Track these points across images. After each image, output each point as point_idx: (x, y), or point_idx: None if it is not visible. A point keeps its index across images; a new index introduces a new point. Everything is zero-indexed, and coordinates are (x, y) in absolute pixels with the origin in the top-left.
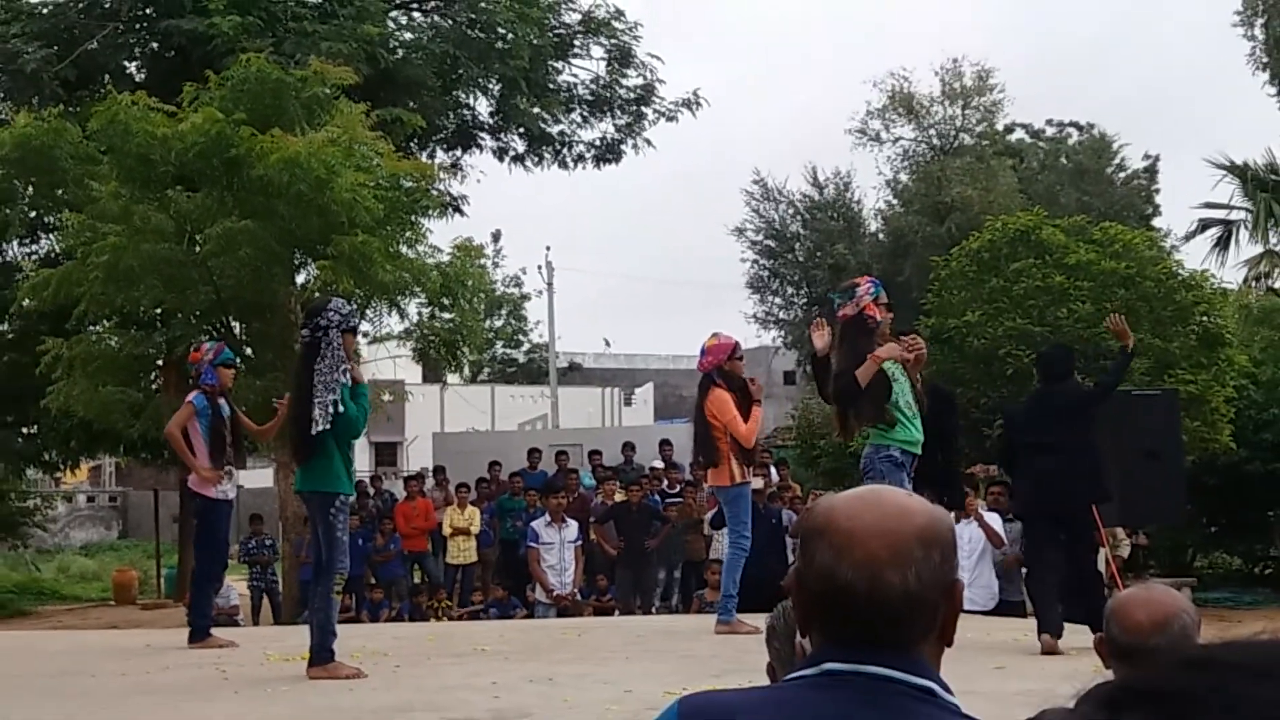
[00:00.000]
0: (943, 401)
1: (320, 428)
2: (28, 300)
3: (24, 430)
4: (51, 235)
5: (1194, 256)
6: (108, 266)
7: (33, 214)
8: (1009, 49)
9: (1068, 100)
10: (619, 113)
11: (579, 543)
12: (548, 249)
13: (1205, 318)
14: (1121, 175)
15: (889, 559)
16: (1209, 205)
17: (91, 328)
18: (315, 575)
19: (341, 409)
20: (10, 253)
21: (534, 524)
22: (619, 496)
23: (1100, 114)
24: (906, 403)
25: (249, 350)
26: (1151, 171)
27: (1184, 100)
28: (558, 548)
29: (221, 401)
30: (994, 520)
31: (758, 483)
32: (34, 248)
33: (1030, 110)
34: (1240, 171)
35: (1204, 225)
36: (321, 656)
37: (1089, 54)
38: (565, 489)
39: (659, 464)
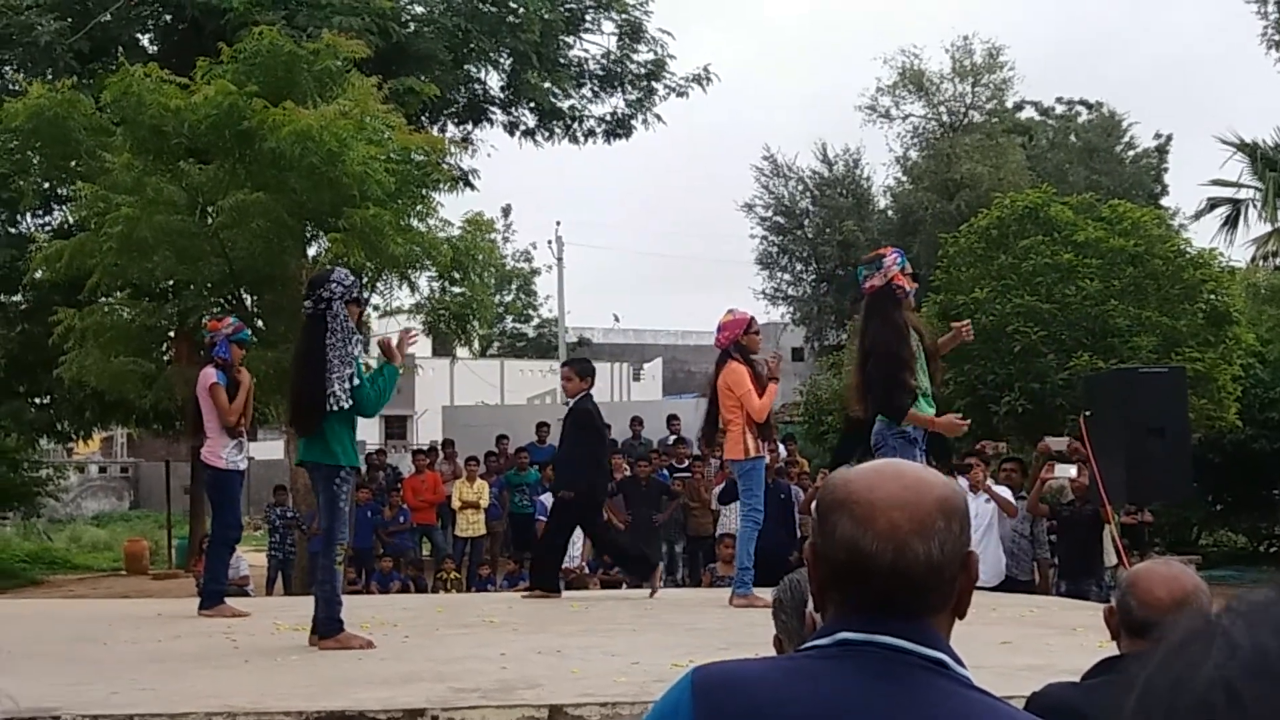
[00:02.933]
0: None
1: (342, 404)
2: (41, 271)
3: (37, 400)
4: (65, 207)
5: (1202, 235)
6: (121, 238)
7: (46, 185)
8: (1027, 31)
9: (1085, 82)
10: (629, 88)
11: None
12: (558, 224)
13: (1213, 296)
14: (1131, 154)
15: (913, 529)
16: (1218, 183)
17: (104, 299)
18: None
19: (357, 382)
20: (24, 224)
21: (543, 498)
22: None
23: (1116, 94)
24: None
25: (260, 322)
26: (1162, 151)
27: (1199, 79)
28: None
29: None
30: (1004, 494)
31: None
32: (47, 219)
33: (1047, 91)
34: (1250, 150)
35: (1212, 204)
36: (330, 628)
37: (1108, 35)
38: None
39: (667, 439)
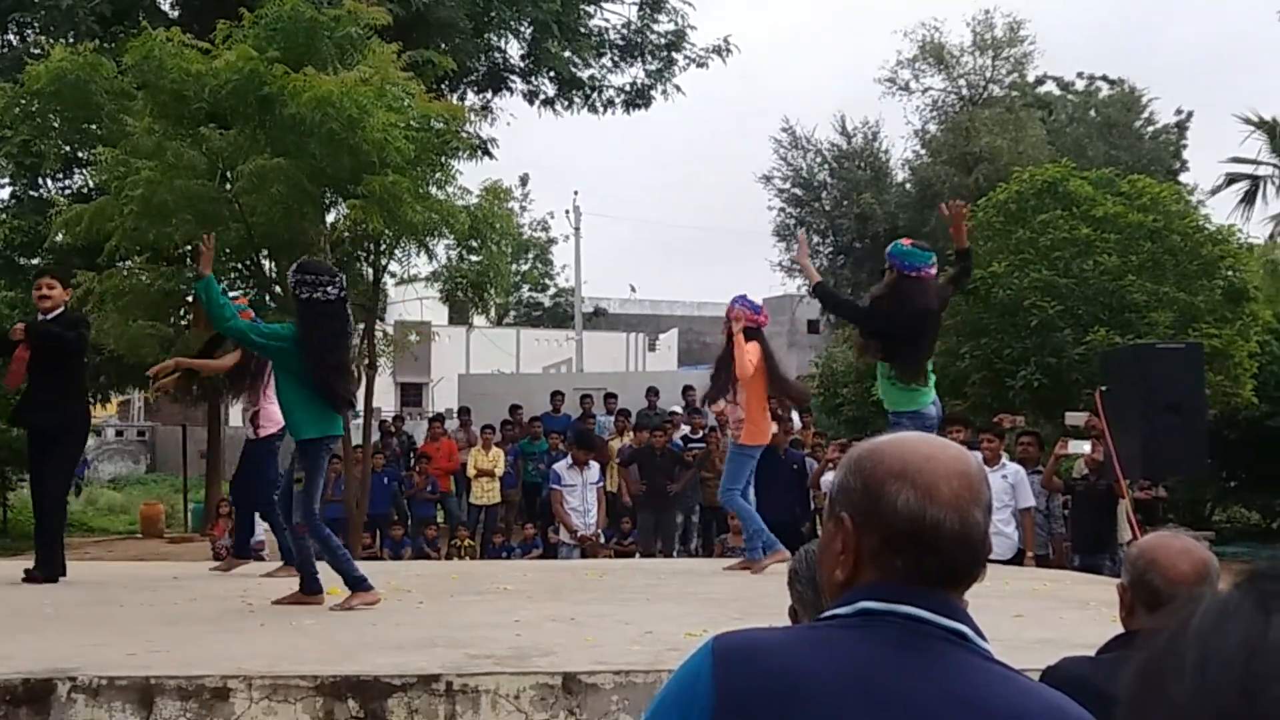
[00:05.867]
0: None
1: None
2: (61, 235)
3: None
4: (85, 170)
5: (1220, 211)
6: (140, 202)
7: (66, 149)
8: (1058, 10)
9: (1114, 63)
10: (649, 58)
11: (601, 485)
12: (575, 194)
13: (1231, 272)
14: (1150, 130)
15: (971, 499)
16: (1236, 160)
17: (123, 262)
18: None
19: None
20: (44, 188)
21: (556, 466)
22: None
23: (1141, 74)
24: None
25: (278, 288)
26: (1181, 127)
27: (1222, 59)
28: (580, 489)
29: None
30: (1019, 471)
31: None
32: (67, 183)
33: (1077, 69)
34: (1269, 128)
35: (1231, 180)
36: (356, 585)
37: (1139, 14)
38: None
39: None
